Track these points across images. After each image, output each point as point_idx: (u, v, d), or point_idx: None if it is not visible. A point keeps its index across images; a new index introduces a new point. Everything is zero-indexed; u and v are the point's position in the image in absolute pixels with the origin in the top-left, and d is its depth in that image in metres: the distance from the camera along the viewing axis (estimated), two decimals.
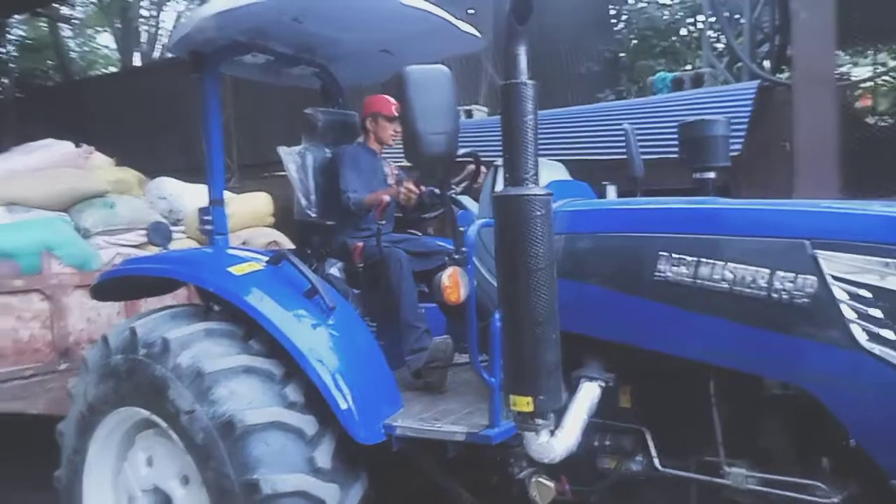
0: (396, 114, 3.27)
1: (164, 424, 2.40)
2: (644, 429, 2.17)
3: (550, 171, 2.62)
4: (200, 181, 5.63)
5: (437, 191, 2.71)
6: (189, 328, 2.44)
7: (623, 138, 3.02)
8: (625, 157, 3.01)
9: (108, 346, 2.60)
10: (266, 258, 2.71)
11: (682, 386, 2.08)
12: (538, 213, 1.75)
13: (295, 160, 3.30)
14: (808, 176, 5.04)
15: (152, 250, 4.31)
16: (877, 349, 1.71)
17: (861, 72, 8.30)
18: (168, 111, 11.69)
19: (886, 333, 1.70)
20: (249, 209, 5.16)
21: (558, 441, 1.91)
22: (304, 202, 3.25)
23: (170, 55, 16.96)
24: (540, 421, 1.79)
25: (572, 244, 2.20)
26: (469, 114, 7.65)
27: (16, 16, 15.18)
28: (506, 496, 2.35)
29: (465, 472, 2.48)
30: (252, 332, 2.47)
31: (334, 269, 3.10)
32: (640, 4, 7.89)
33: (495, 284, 2.46)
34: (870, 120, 7.85)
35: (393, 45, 3.23)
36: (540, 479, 2.19)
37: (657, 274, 2.02)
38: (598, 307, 2.16)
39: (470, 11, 2.90)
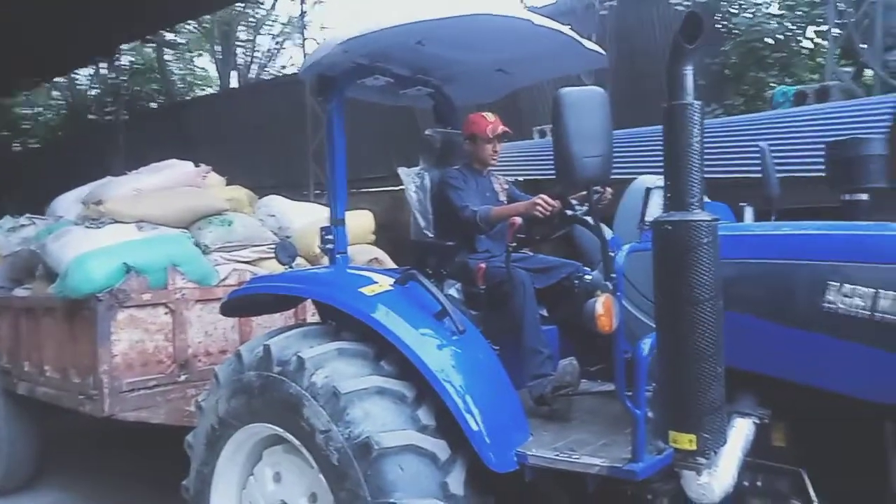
0: (491, 135, 3.23)
1: (296, 442, 2.42)
2: (802, 470, 2.02)
3: None
4: (294, 198, 5.79)
5: (568, 211, 2.64)
6: (322, 347, 2.46)
7: (756, 156, 2.88)
8: (753, 174, 2.87)
9: (241, 362, 2.65)
10: (392, 278, 2.72)
11: (852, 427, 1.93)
12: (705, 240, 1.67)
13: (414, 181, 3.33)
14: None
15: (265, 266, 4.46)
16: None
17: None
18: (263, 131, 12.21)
19: None
20: (353, 226, 5.22)
21: (716, 481, 1.81)
22: (422, 223, 3.27)
23: (265, 77, 17.79)
24: (702, 460, 1.71)
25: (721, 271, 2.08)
26: (543, 134, 7.59)
27: (126, 43, 16.29)
28: None
29: None
30: (382, 352, 2.47)
31: (453, 291, 3.09)
32: (745, 15, 7.56)
33: (635, 313, 2.40)
34: None
35: (510, 64, 3.22)
36: None
37: (825, 305, 1.89)
38: (751, 338, 2.04)
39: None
